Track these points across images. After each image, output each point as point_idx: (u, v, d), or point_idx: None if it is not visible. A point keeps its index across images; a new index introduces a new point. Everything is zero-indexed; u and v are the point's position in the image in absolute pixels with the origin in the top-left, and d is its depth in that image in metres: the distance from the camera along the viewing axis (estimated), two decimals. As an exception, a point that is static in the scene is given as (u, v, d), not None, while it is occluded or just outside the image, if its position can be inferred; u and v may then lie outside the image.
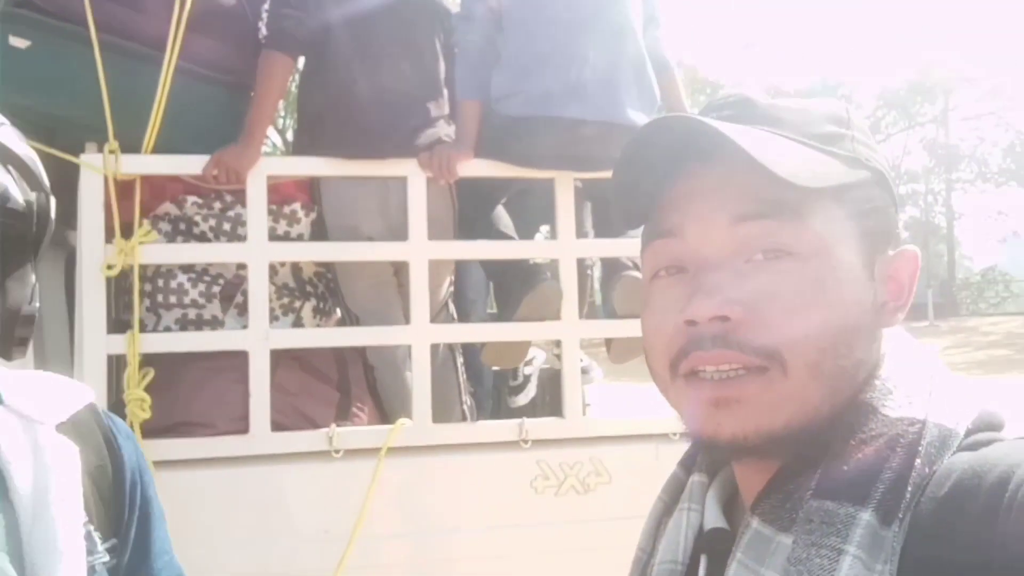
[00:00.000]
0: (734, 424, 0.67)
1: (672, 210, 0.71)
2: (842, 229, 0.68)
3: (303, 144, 2.64)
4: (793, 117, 0.71)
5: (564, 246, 2.62)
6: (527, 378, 3.37)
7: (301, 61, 2.73)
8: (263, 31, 2.51)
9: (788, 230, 0.67)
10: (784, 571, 0.62)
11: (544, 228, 2.86)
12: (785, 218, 0.67)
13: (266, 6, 2.53)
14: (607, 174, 2.53)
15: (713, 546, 0.73)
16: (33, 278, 1.02)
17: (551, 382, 3.40)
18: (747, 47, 29.41)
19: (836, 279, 0.67)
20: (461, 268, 3.10)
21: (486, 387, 3.28)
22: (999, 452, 0.61)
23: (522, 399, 3.36)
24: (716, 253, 0.68)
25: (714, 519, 0.75)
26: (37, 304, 1.02)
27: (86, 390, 1.09)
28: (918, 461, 0.61)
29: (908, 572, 0.59)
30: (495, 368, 3.23)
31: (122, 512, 1.02)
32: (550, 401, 3.27)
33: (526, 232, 2.92)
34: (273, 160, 2.59)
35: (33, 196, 1.00)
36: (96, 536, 0.97)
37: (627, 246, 2.81)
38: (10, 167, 0.98)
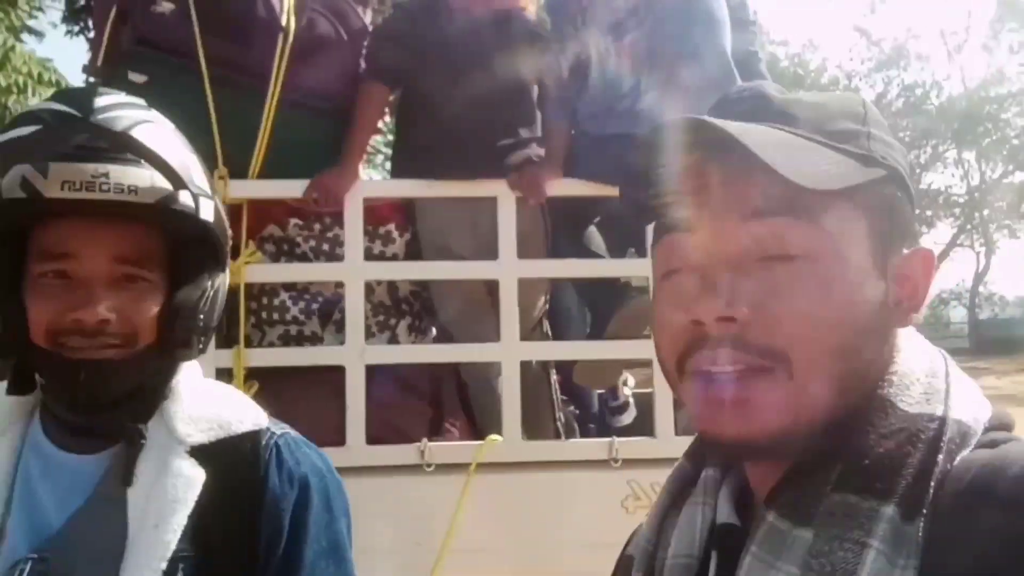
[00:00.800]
0: (740, 424, 0.66)
1: (683, 206, 0.71)
2: (854, 228, 0.67)
3: (398, 165, 2.74)
4: (808, 114, 0.70)
5: (654, 264, 2.60)
6: (627, 399, 3.36)
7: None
8: (363, 64, 2.69)
9: (798, 229, 0.66)
10: (804, 564, 0.62)
11: (631, 250, 2.86)
12: (795, 217, 0.66)
13: (368, 40, 2.71)
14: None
15: (724, 542, 0.73)
16: (209, 284, 1.07)
17: (645, 404, 3.37)
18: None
19: (845, 280, 0.66)
20: (558, 288, 3.13)
21: (591, 409, 3.28)
22: (1018, 449, 0.63)
23: (625, 419, 3.34)
24: (725, 251, 0.68)
25: (726, 514, 0.75)
26: (207, 309, 1.06)
27: (254, 415, 1.10)
28: (940, 457, 0.62)
29: (930, 566, 0.59)
30: (597, 390, 3.23)
31: (255, 546, 1.01)
32: (647, 423, 3.24)
33: (617, 254, 2.93)
34: (369, 183, 2.71)
35: (195, 199, 1.03)
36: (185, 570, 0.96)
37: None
38: (173, 167, 1.02)
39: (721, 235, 0.68)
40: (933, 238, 27.81)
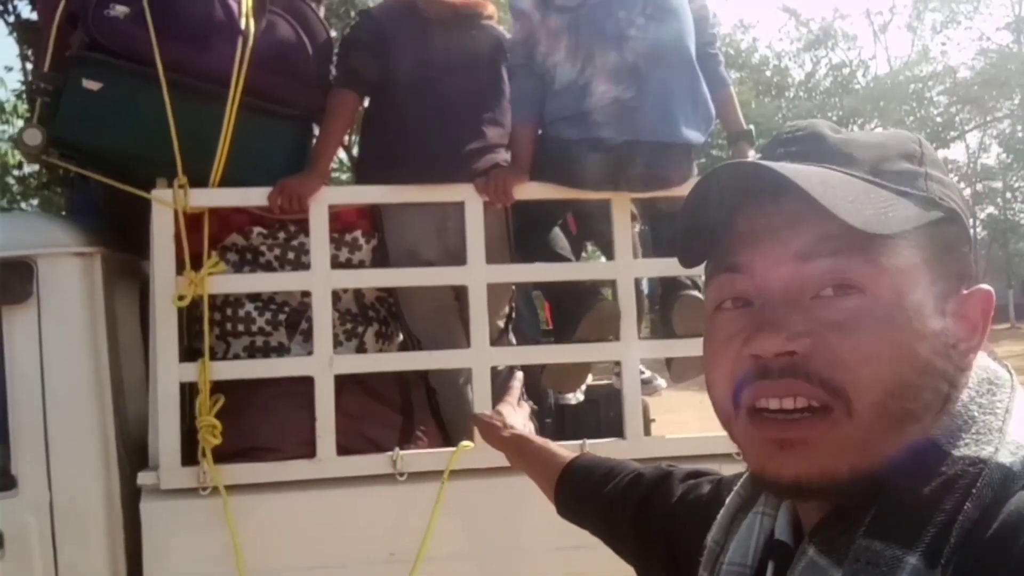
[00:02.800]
0: (797, 466, 0.65)
1: (739, 246, 0.70)
2: (914, 269, 0.66)
3: (364, 172, 2.71)
4: (864, 154, 0.70)
5: (622, 266, 2.62)
6: None
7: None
8: (334, 72, 2.67)
9: (858, 268, 0.65)
10: None
11: (588, 246, 2.88)
12: (854, 255, 0.65)
13: (337, 48, 2.69)
14: (663, 193, 2.53)
15: (778, 557, 0.73)
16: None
17: (614, 400, 3.40)
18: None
19: (906, 319, 0.65)
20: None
21: (546, 401, 3.30)
22: None
23: (572, 399, 3.38)
24: (784, 288, 0.67)
25: (781, 530, 0.75)
26: None
27: None
28: (968, 505, 0.60)
29: None
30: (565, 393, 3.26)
31: None
32: (614, 417, 3.27)
33: (578, 253, 2.95)
34: (334, 189, 2.67)
35: None
36: None
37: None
38: None
39: (780, 272, 0.67)
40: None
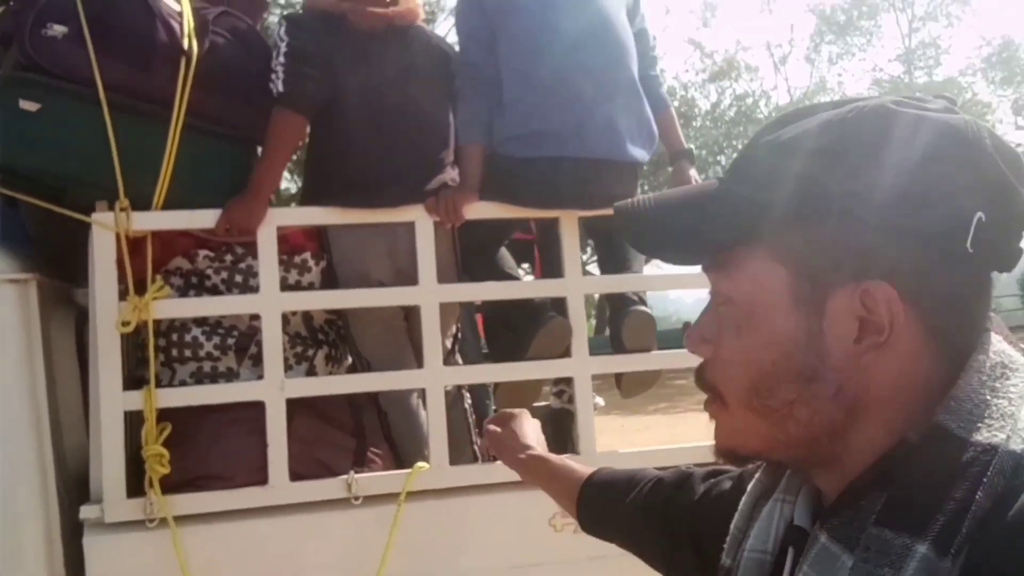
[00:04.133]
0: (716, 439, 0.78)
1: None
2: (767, 273, 0.70)
3: (312, 194, 2.66)
4: (766, 158, 0.71)
5: (572, 283, 2.65)
6: None
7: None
8: (279, 88, 2.51)
9: (722, 279, 0.74)
10: None
11: (525, 265, 2.90)
12: (718, 270, 0.74)
13: (280, 61, 2.53)
14: (610, 211, 2.57)
15: (798, 543, 0.74)
16: None
17: (553, 420, 3.42)
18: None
19: (752, 324, 0.71)
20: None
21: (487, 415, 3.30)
22: None
23: None
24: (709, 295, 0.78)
25: (800, 516, 0.76)
26: None
27: None
28: (980, 494, 0.60)
29: None
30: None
31: None
32: (555, 439, 3.28)
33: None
34: (283, 211, 2.61)
35: None
36: None
37: (633, 282, 2.85)
38: None
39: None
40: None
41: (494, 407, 3.24)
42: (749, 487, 0.85)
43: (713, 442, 0.78)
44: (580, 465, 1.28)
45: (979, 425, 0.63)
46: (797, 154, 0.68)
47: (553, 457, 1.32)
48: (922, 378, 0.68)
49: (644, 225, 0.79)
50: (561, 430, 3.39)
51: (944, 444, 0.63)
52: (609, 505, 1.17)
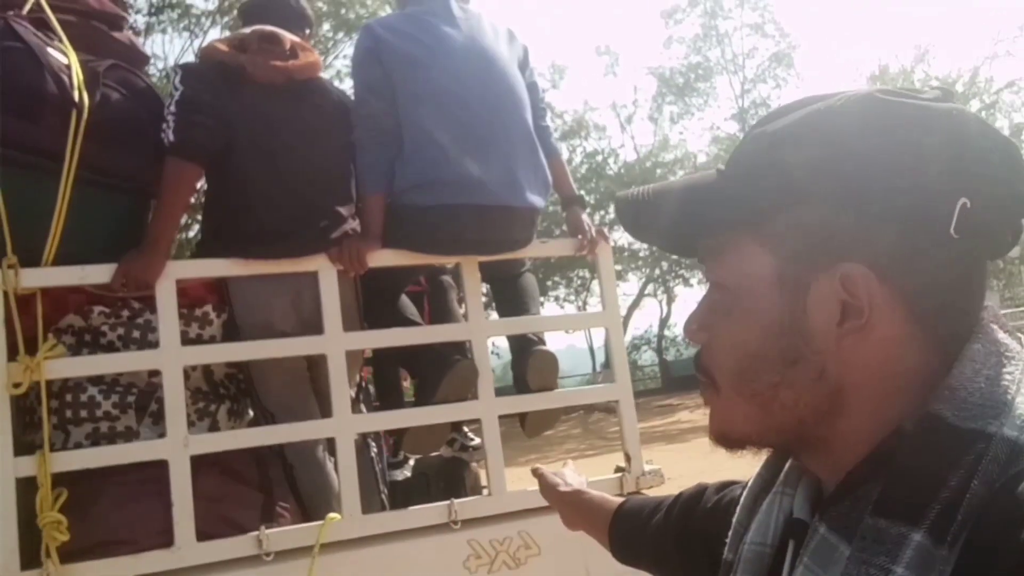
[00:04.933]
0: (710, 424, 0.79)
1: None
2: (753, 259, 0.72)
3: (210, 244, 2.61)
4: (750, 147, 0.74)
5: (476, 327, 2.71)
6: (405, 455, 3.42)
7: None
8: (170, 138, 2.46)
9: (713, 266, 0.76)
10: None
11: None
12: (709, 257, 0.77)
13: (171, 110, 2.49)
14: (510, 255, 2.69)
15: (798, 535, 0.74)
16: None
17: (446, 468, 3.43)
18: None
19: (741, 309, 0.73)
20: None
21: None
22: None
23: (399, 475, 3.40)
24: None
25: (799, 508, 0.77)
26: None
27: None
28: (975, 481, 0.60)
29: None
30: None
31: None
32: (445, 487, 3.29)
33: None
34: (182, 264, 2.54)
35: None
36: None
37: (534, 323, 2.93)
38: None
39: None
40: (623, 290, 30.44)
41: (403, 453, 3.24)
42: (750, 482, 0.86)
43: (711, 428, 0.79)
44: (615, 497, 1.29)
45: (974, 413, 0.63)
46: (782, 143, 0.70)
47: (591, 492, 1.32)
48: (911, 365, 0.69)
49: (641, 213, 0.80)
50: (454, 477, 3.41)
51: (939, 433, 0.63)
52: (636, 531, 1.18)
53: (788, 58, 30.54)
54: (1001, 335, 0.70)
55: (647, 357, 37.59)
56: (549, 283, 29.18)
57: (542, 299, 26.51)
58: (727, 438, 0.77)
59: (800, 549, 0.71)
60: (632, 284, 31.20)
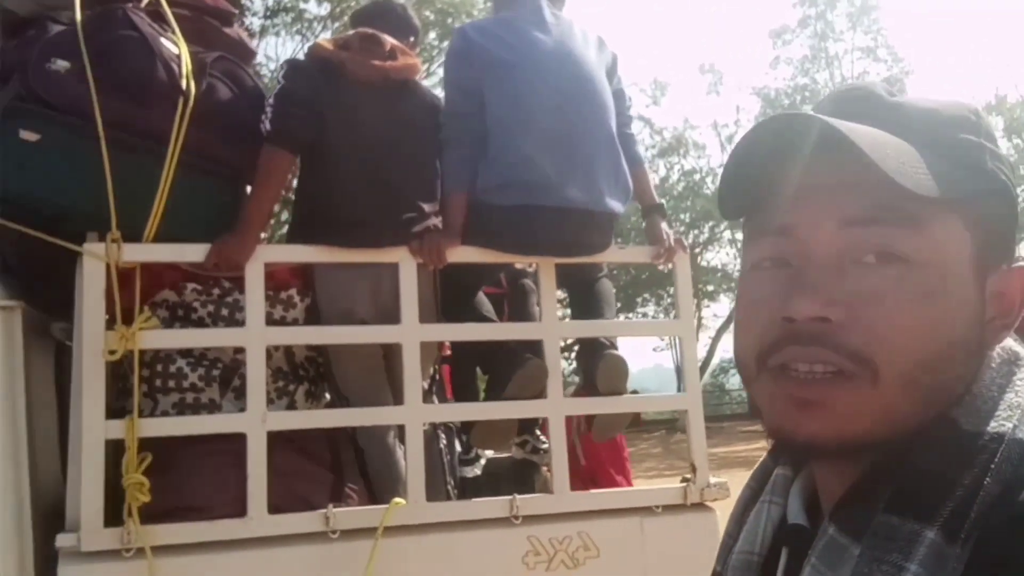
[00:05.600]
0: (814, 426, 0.66)
1: (783, 209, 0.69)
2: (959, 242, 0.67)
3: (299, 231, 2.73)
4: (920, 119, 0.70)
5: (549, 327, 2.75)
6: (477, 452, 3.46)
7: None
8: (266, 127, 2.61)
9: (902, 236, 0.65)
10: None
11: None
12: (901, 224, 0.65)
13: (271, 101, 2.64)
14: (587, 259, 2.71)
15: (794, 542, 0.73)
16: None
17: (516, 470, 3.47)
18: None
19: (945, 292, 0.65)
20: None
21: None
22: None
23: (470, 472, 3.44)
24: (824, 251, 0.67)
25: (795, 515, 0.76)
26: None
27: None
28: (988, 480, 0.60)
29: None
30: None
31: None
32: (514, 488, 3.30)
33: None
34: (271, 248, 2.67)
35: None
36: None
37: (607, 327, 2.96)
38: None
39: (822, 236, 0.67)
40: (714, 311, 29.97)
41: (475, 450, 3.30)
42: (738, 495, 0.85)
43: (820, 431, 0.66)
44: None
45: (987, 415, 0.64)
46: (990, 137, 0.71)
47: None
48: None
49: (854, 146, 0.63)
50: (524, 479, 3.45)
51: (952, 435, 0.63)
52: None
53: (900, 83, 29.41)
54: (1010, 340, 0.71)
55: (734, 381, 36.89)
56: (639, 300, 28.95)
57: (629, 315, 26.41)
58: (856, 439, 0.66)
59: (795, 555, 0.71)
60: (723, 305, 30.72)
